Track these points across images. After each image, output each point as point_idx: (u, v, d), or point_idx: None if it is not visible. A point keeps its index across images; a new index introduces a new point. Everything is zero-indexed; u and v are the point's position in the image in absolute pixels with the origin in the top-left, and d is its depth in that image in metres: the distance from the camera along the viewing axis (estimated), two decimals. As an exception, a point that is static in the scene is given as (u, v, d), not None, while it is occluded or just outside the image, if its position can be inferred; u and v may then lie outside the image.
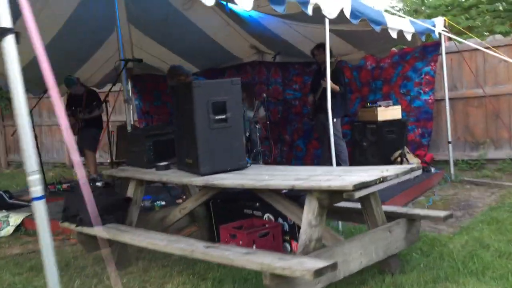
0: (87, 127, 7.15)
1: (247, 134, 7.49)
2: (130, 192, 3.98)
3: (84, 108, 7.05)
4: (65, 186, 7.40)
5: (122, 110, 9.36)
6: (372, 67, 7.50)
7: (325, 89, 6.59)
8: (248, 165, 3.89)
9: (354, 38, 6.73)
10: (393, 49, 7.26)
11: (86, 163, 7.30)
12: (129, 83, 9.55)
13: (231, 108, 3.61)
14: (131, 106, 6.14)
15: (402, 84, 7.25)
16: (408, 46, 6.98)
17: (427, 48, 7.00)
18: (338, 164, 6.87)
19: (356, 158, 7.00)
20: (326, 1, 4.36)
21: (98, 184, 6.69)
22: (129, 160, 4.30)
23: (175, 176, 3.60)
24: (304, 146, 8.11)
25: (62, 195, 7.12)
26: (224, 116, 3.58)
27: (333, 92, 6.52)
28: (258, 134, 7.12)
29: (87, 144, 7.13)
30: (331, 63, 6.57)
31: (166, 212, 4.29)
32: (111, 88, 6.64)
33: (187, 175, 3.62)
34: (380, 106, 6.66)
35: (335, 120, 6.56)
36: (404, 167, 2.97)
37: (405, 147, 6.63)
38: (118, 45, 6.08)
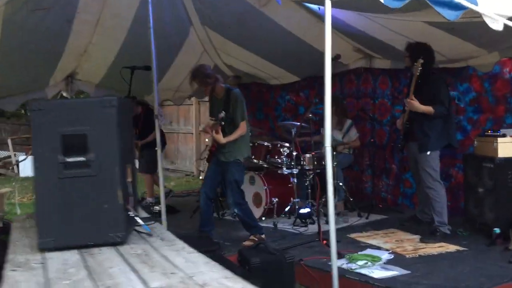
0: (141, 149, 6.39)
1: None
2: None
3: (139, 131, 6.23)
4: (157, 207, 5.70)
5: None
6: (512, 75, 5.10)
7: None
8: (150, 232, 2.47)
9: (473, 34, 4.55)
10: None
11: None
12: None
13: (97, 145, 2.24)
14: (160, 122, 5.09)
15: (557, 101, 4.75)
16: None
17: None
18: (431, 218, 4.77)
19: (470, 210, 4.77)
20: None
21: (156, 208, 5.90)
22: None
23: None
24: (414, 181, 6.00)
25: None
26: (83, 159, 2.23)
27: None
28: (341, 162, 5.45)
29: (140, 167, 6.42)
30: (413, 67, 4.56)
31: None
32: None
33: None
34: (504, 135, 4.36)
35: (429, 153, 4.55)
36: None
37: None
38: (150, 51, 5.04)
